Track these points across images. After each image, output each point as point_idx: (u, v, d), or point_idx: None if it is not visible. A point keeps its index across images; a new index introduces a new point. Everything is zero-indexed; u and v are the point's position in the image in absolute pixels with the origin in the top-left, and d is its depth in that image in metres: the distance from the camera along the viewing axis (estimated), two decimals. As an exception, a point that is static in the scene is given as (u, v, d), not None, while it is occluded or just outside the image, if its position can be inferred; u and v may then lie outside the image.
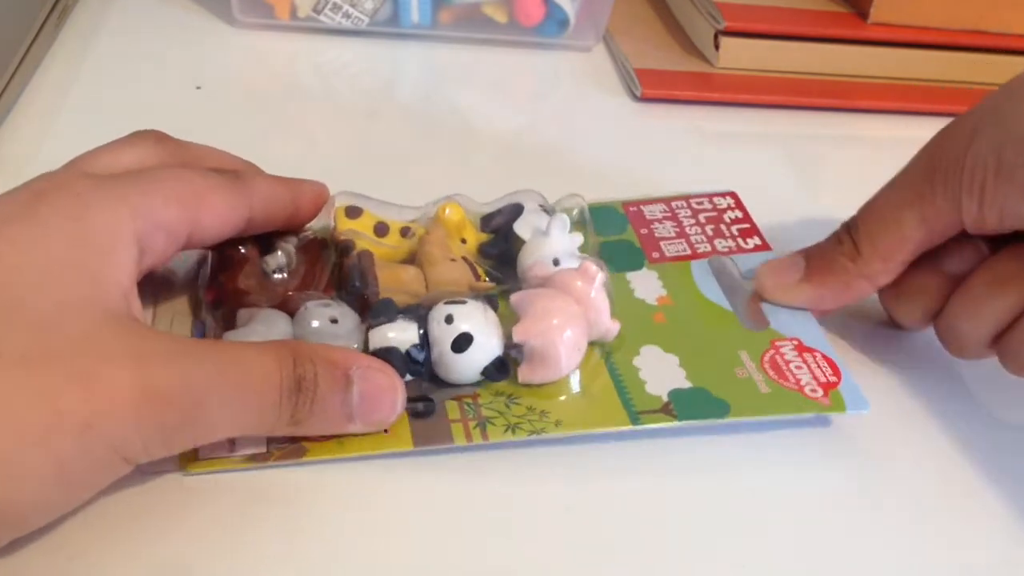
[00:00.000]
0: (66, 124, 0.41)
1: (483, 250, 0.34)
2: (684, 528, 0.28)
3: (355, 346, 0.29)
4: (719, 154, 0.45)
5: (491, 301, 0.30)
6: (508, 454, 0.29)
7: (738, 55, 0.49)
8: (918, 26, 0.50)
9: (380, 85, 0.48)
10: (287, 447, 0.28)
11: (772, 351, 0.32)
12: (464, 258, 0.32)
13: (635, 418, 0.29)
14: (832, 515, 0.29)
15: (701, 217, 0.38)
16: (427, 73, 0.50)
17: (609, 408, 0.29)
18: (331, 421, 0.27)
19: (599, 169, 0.43)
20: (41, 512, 0.24)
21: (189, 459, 0.27)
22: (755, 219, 0.38)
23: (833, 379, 0.31)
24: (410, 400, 0.29)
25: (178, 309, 0.32)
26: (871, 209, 0.33)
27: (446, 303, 0.29)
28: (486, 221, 0.34)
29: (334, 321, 0.29)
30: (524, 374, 0.29)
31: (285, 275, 0.31)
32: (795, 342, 0.32)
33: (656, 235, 0.37)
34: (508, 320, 0.30)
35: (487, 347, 0.29)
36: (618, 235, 0.37)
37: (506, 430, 0.29)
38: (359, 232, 0.32)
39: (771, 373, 0.31)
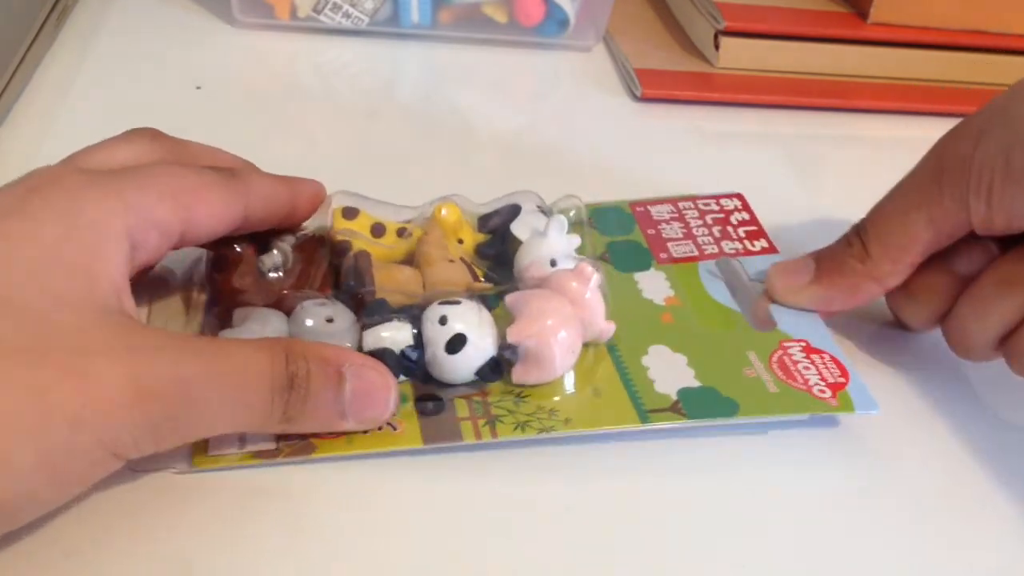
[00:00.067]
0: (66, 124, 0.41)
1: (480, 251, 0.34)
2: (686, 528, 0.28)
3: (349, 345, 0.29)
4: (719, 154, 0.45)
5: (487, 302, 0.30)
6: (508, 453, 0.29)
7: (738, 55, 0.49)
8: (918, 26, 0.50)
9: (380, 85, 0.48)
10: (296, 444, 0.28)
11: (780, 352, 0.32)
12: (462, 259, 0.32)
13: (644, 417, 0.29)
14: (838, 515, 0.29)
15: (708, 219, 0.38)
16: (427, 73, 0.50)
17: (618, 407, 0.30)
18: (324, 418, 0.27)
19: (599, 169, 0.43)
20: (31, 506, 0.24)
21: (198, 455, 0.27)
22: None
23: (841, 380, 0.31)
24: (419, 399, 0.29)
25: (173, 308, 0.32)
26: (880, 211, 0.33)
27: (440, 303, 0.29)
28: (483, 222, 0.34)
29: (330, 320, 0.29)
30: (518, 375, 0.29)
31: (281, 274, 0.31)
32: (803, 343, 0.32)
33: (663, 236, 0.37)
34: (504, 321, 0.30)
35: (481, 348, 0.29)
36: (625, 235, 0.37)
37: (515, 428, 0.29)
38: (356, 232, 0.32)
39: (779, 373, 0.31)
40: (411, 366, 0.29)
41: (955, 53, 0.50)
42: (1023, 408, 0.33)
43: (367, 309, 0.30)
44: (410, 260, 0.33)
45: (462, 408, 0.29)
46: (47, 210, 0.25)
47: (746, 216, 0.38)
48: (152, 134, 0.30)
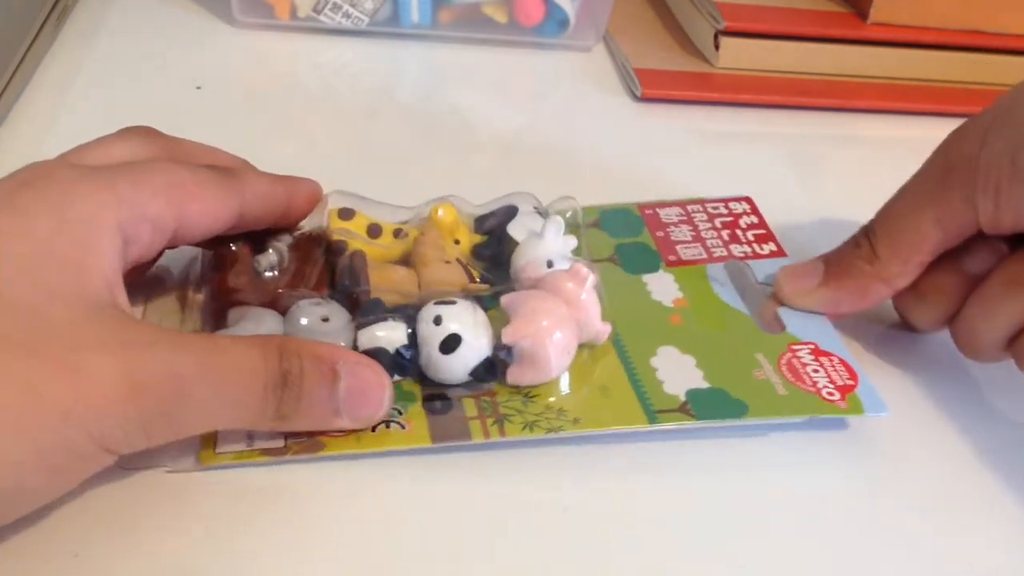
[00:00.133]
0: (66, 124, 0.41)
1: (477, 252, 0.34)
2: (690, 528, 0.28)
3: (343, 344, 0.29)
4: (719, 154, 0.45)
5: (483, 302, 0.30)
6: (509, 453, 0.29)
7: (738, 55, 0.49)
8: (918, 26, 0.50)
9: (380, 85, 0.48)
10: (305, 441, 0.28)
11: (789, 354, 0.32)
12: (458, 259, 0.32)
13: (653, 417, 0.29)
14: (845, 516, 0.29)
15: (717, 222, 0.38)
16: (427, 73, 0.50)
17: (627, 407, 0.30)
18: (317, 416, 0.27)
19: (599, 169, 0.43)
20: (21, 501, 0.24)
21: (205, 452, 0.27)
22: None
23: (850, 382, 0.31)
24: (427, 398, 0.29)
25: (168, 307, 0.32)
26: (887, 212, 0.33)
27: (436, 303, 0.29)
28: (480, 223, 0.34)
29: (325, 319, 0.29)
30: (514, 375, 0.29)
31: (276, 273, 0.31)
32: (812, 346, 0.32)
33: (672, 238, 0.37)
34: (499, 321, 0.30)
35: (476, 348, 0.29)
36: (634, 237, 0.37)
37: (524, 427, 0.29)
38: (352, 232, 0.32)
39: (788, 376, 0.31)
40: (406, 365, 0.29)
41: (955, 53, 0.50)
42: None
43: (362, 308, 0.30)
44: (406, 261, 0.33)
45: (470, 407, 0.29)
46: (39, 204, 0.25)
47: (755, 220, 0.38)
48: (147, 132, 0.30)
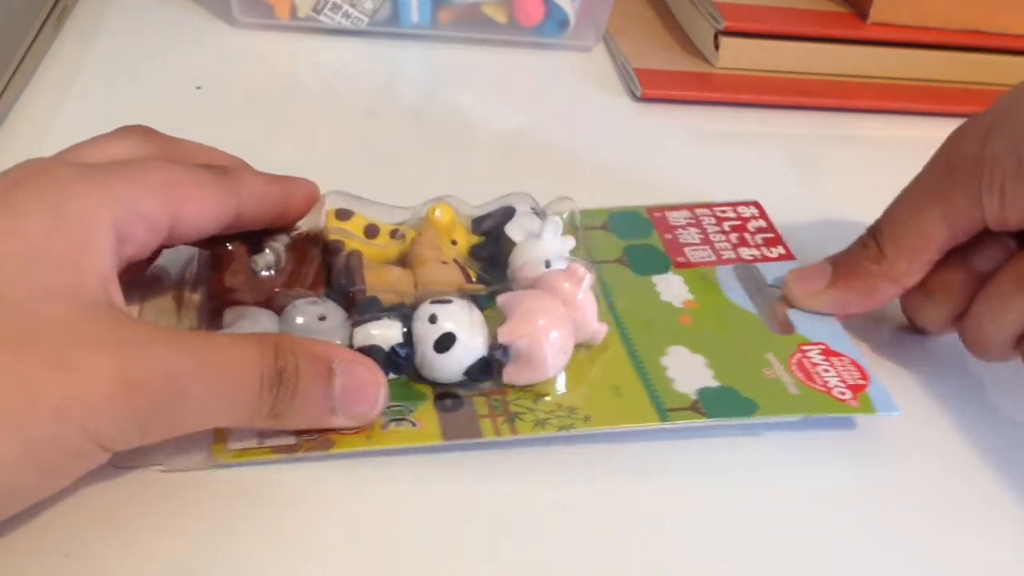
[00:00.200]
0: (66, 124, 0.41)
1: (474, 252, 0.34)
2: (691, 527, 0.28)
3: (339, 342, 0.29)
4: (719, 154, 0.45)
5: (479, 302, 0.30)
6: (509, 453, 0.29)
7: (738, 55, 0.49)
8: (918, 26, 0.50)
9: (380, 85, 0.48)
10: (316, 439, 0.28)
11: (799, 354, 0.32)
12: (455, 260, 0.32)
13: (664, 415, 0.29)
14: (852, 516, 0.29)
15: (725, 225, 0.38)
16: (427, 73, 0.50)
17: (638, 405, 0.30)
18: (313, 414, 0.27)
19: (599, 169, 0.43)
20: (15, 498, 0.24)
21: (217, 448, 0.27)
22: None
23: (861, 382, 0.31)
24: (438, 396, 0.29)
25: (164, 306, 0.32)
26: (893, 212, 0.33)
27: (432, 302, 0.29)
28: (477, 224, 0.34)
29: (322, 318, 0.29)
30: (510, 375, 0.29)
31: (272, 273, 0.31)
32: (822, 346, 0.32)
33: (680, 241, 0.37)
34: (496, 321, 0.30)
35: (471, 347, 0.29)
36: (643, 239, 0.37)
37: (535, 425, 0.29)
38: (349, 232, 0.32)
39: (799, 375, 0.31)
40: (400, 363, 0.29)
41: (955, 53, 0.50)
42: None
43: (358, 306, 0.30)
44: (403, 261, 0.33)
45: (481, 405, 0.29)
46: (34, 202, 0.25)
47: (763, 224, 0.38)
48: (143, 131, 0.30)
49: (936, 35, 0.50)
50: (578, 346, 0.31)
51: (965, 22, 0.50)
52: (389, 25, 0.50)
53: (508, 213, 0.34)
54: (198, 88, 0.45)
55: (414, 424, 0.28)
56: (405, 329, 0.29)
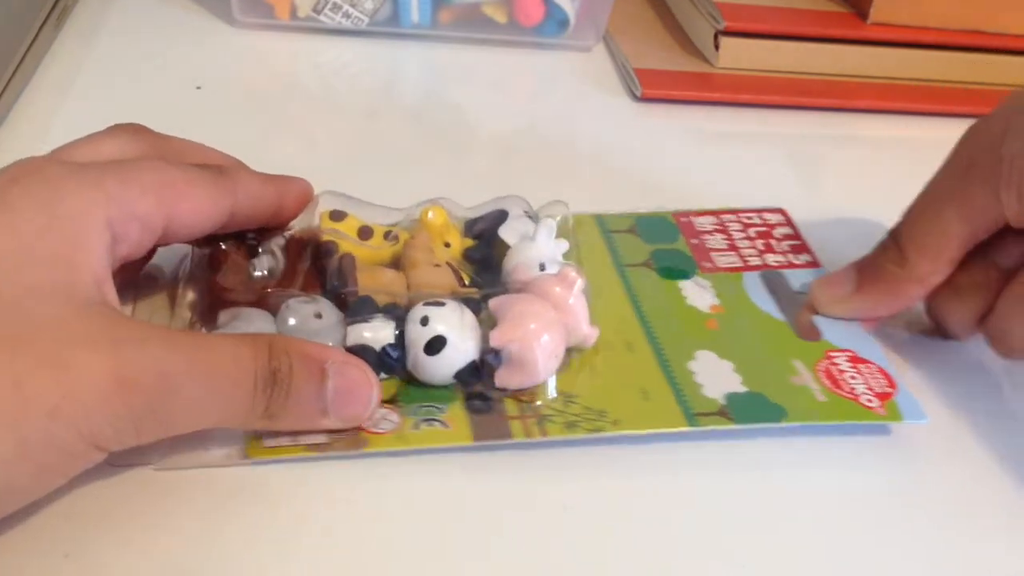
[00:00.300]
0: (66, 124, 0.41)
1: (467, 255, 0.34)
2: (689, 528, 0.28)
3: (332, 343, 0.29)
4: (719, 154, 0.45)
5: (472, 305, 0.30)
6: (509, 453, 0.29)
7: (738, 55, 0.49)
8: (918, 26, 0.50)
9: (380, 85, 0.48)
10: (348, 438, 0.28)
11: (826, 361, 0.32)
12: (448, 263, 0.32)
13: (692, 420, 0.29)
14: (857, 521, 0.29)
15: (751, 231, 0.38)
16: (427, 73, 0.50)
17: (666, 409, 0.30)
18: (305, 415, 0.27)
19: (599, 169, 0.43)
20: (10, 497, 0.24)
21: (252, 445, 0.27)
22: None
23: (888, 390, 0.31)
24: (468, 397, 0.29)
25: (158, 305, 0.32)
26: (912, 212, 0.33)
27: (424, 304, 0.29)
28: (469, 226, 0.34)
29: (318, 316, 0.29)
30: (501, 378, 0.29)
31: (266, 272, 0.31)
32: (849, 353, 0.32)
33: (707, 246, 0.37)
34: (488, 324, 0.30)
35: (462, 350, 0.29)
36: (669, 244, 0.37)
37: (565, 427, 0.29)
38: (343, 234, 0.33)
39: (826, 382, 0.31)
40: (392, 364, 0.29)
41: (955, 53, 0.50)
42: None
43: (352, 306, 0.30)
44: (396, 263, 0.33)
45: (512, 407, 0.29)
46: (26, 200, 0.25)
47: (789, 231, 0.38)
48: (136, 129, 0.30)
49: (936, 35, 0.50)
50: (606, 346, 0.31)
51: (965, 22, 0.50)
52: (389, 25, 0.50)
53: (501, 216, 0.34)
54: (198, 88, 0.45)
55: (445, 425, 0.29)
56: (398, 331, 0.29)
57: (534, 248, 0.32)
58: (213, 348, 0.25)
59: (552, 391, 0.30)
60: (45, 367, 0.23)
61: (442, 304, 0.29)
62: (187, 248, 0.33)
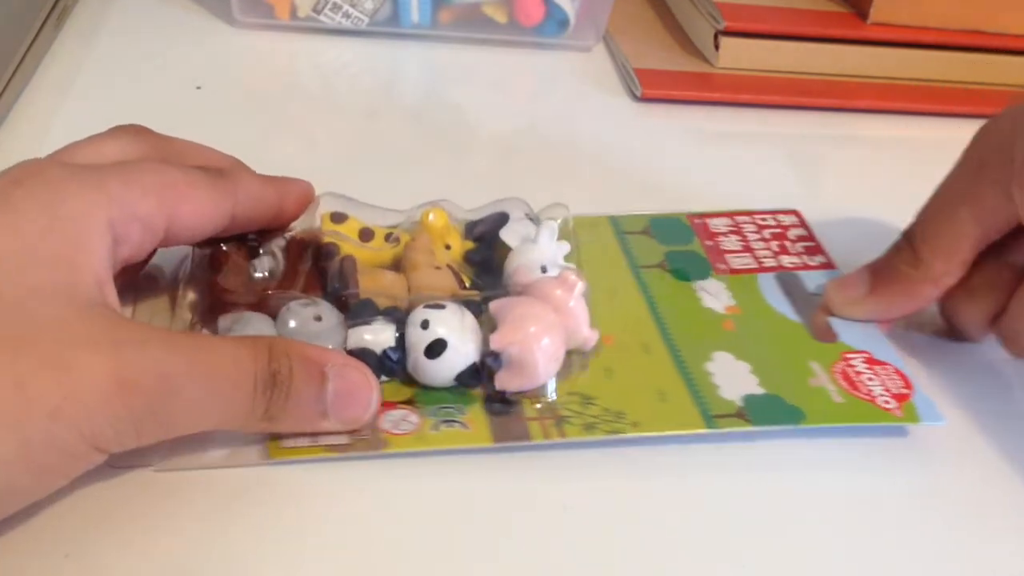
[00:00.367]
0: (66, 124, 0.41)
1: (468, 257, 0.34)
2: (690, 528, 0.28)
3: (331, 346, 0.29)
4: (719, 154, 0.45)
5: (473, 308, 0.30)
6: (509, 453, 0.29)
7: (738, 55, 0.49)
8: (918, 26, 0.50)
9: (380, 85, 0.48)
10: (369, 439, 0.28)
11: (842, 363, 0.32)
12: (448, 265, 0.32)
13: (710, 422, 0.29)
14: (863, 523, 0.29)
15: (766, 233, 0.38)
16: (427, 73, 0.50)
17: (684, 411, 0.30)
18: (305, 417, 0.27)
19: (599, 169, 0.43)
20: (11, 498, 0.24)
21: (274, 445, 0.27)
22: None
23: (905, 391, 0.31)
24: (488, 398, 0.29)
25: (158, 306, 0.32)
26: (925, 213, 0.33)
27: (425, 307, 0.29)
28: (470, 228, 0.34)
29: (318, 319, 0.29)
30: (501, 381, 0.29)
31: (267, 274, 0.31)
32: (865, 355, 0.32)
33: (721, 248, 0.37)
34: (489, 327, 0.30)
35: (462, 352, 0.29)
36: (684, 245, 0.37)
37: (583, 429, 0.29)
38: (344, 236, 0.33)
39: (843, 384, 0.31)
40: (393, 367, 0.29)
41: (955, 53, 0.50)
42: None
43: (353, 309, 0.30)
44: (397, 265, 0.33)
45: (530, 408, 0.29)
46: (28, 202, 0.25)
47: (803, 232, 0.38)
48: (137, 130, 0.30)
49: (936, 35, 0.50)
50: (622, 347, 0.31)
51: (965, 22, 0.50)
52: (389, 25, 0.50)
53: (502, 219, 0.34)
54: (198, 88, 0.45)
55: (464, 426, 0.29)
56: (398, 333, 0.29)
57: (536, 250, 0.32)
58: (213, 350, 0.25)
59: (552, 393, 0.30)
60: (47, 368, 0.23)
61: (442, 307, 0.29)
62: (187, 249, 0.33)
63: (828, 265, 0.37)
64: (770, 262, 0.37)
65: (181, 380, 0.24)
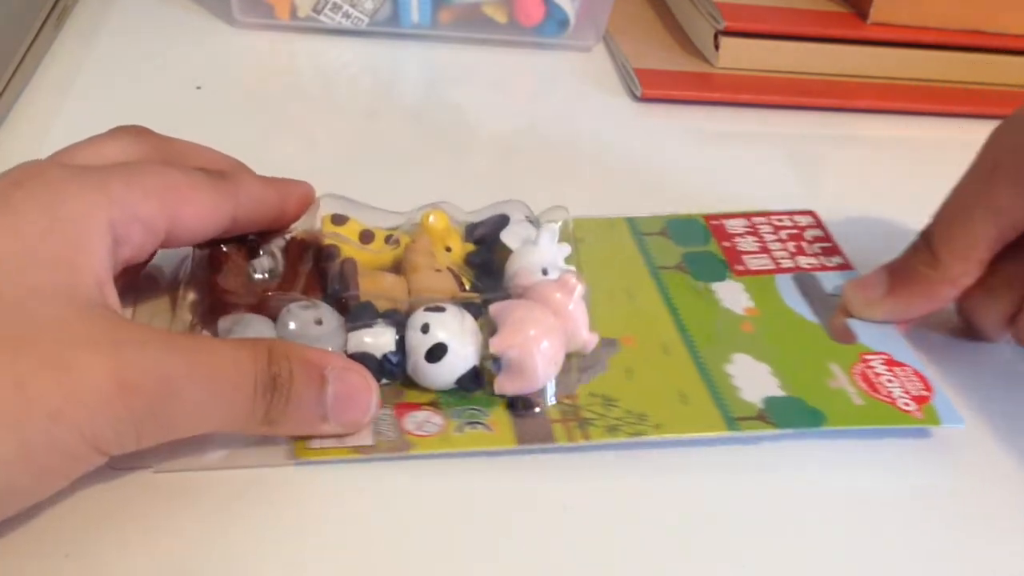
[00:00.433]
0: (66, 124, 0.41)
1: (468, 259, 0.34)
2: (690, 528, 0.28)
3: (331, 348, 0.29)
4: (719, 154, 0.45)
5: (473, 310, 0.30)
6: (509, 452, 0.29)
7: (738, 55, 0.49)
8: (918, 26, 0.50)
9: (380, 85, 0.48)
10: (394, 440, 0.28)
11: (861, 364, 0.32)
12: (449, 268, 0.32)
13: (732, 424, 0.29)
14: (865, 525, 0.28)
15: (783, 234, 0.38)
16: (427, 73, 0.50)
17: (705, 413, 0.30)
18: (305, 421, 0.27)
19: (599, 169, 0.43)
20: (11, 499, 0.24)
21: (300, 446, 0.28)
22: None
23: (925, 393, 0.31)
24: (511, 400, 0.29)
25: (158, 307, 0.32)
26: (941, 214, 0.33)
27: (425, 310, 0.29)
28: (470, 231, 0.34)
29: (319, 322, 0.29)
30: (501, 384, 0.29)
31: (267, 276, 0.31)
32: (884, 357, 0.32)
33: (738, 249, 0.37)
34: (488, 330, 0.30)
35: (463, 356, 0.29)
36: (701, 246, 0.37)
37: (607, 431, 0.29)
38: (344, 238, 0.33)
39: (863, 385, 0.31)
40: (393, 370, 0.29)
41: (955, 53, 0.50)
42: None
43: (353, 311, 0.30)
44: (397, 267, 0.33)
45: (553, 411, 0.29)
46: (29, 203, 0.25)
47: (820, 233, 0.38)
48: (138, 131, 0.30)
49: (936, 35, 0.50)
50: (642, 349, 0.31)
51: (965, 22, 0.50)
52: (389, 25, 0.50)
53: (502, 221, 0.34)
54: (198, 88, 0.45)
55: (488, 428, 0.29)
56: (398, 336, 0.29)
57: (536, 252, 0.32)
58: (213, 352, 0.25)
59: (551, 397, 0.30)
60: (47, 368, 0.23)
61: (442, 310, 0.29)
62: (188, 249, 0.33)
63: (845, 266, 0.37)
64: (787, 263, 0.37)
65: (181, 382, 0.24)
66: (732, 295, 0.35)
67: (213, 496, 0.27)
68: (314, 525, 0.27)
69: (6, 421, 0.22)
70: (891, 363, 0.32)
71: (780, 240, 0.38)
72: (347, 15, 0.49)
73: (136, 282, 0.32)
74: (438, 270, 0.32)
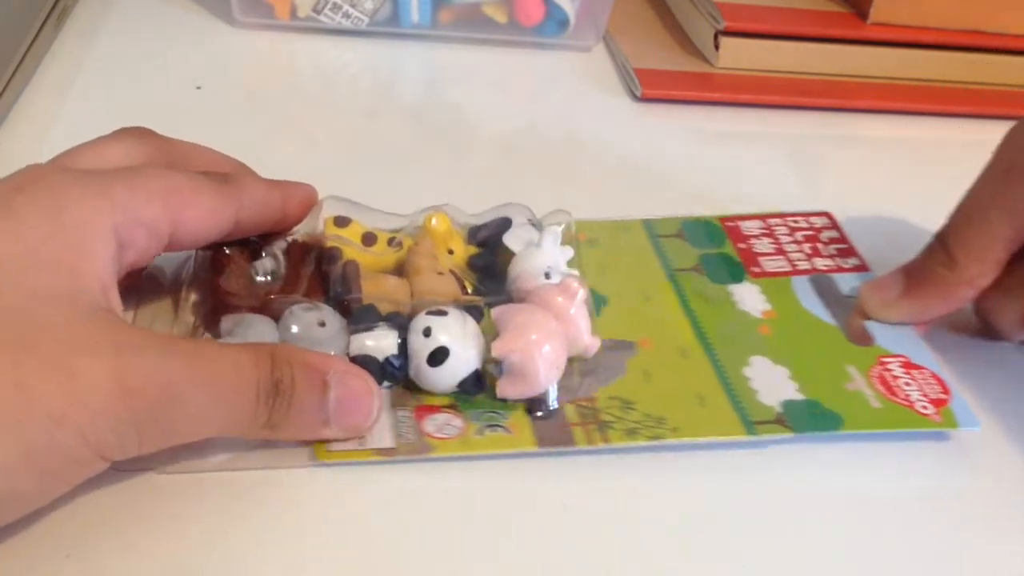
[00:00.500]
0: (66, 124, 0.41)
1: (471, 262, 0.34)
2: (690, 528, 0.28)
3: (333, 352, 0.29)
4: (719, 154, 0.45)
5: (476, 314, 0.30)
6: (528, 456, 0.29)
7: (738, 55, 0.49)
8: (918, 26, 0.50)
9: (380, 85, 0.48)
10: (415, 443, 0.28)
11: (879, 367, 0.32)
12: (451, 271, 0.32)
13: (751, 428, 0.29)
14: (867, 527, 0.28)
15: (798, 235, 0.38)
16: (427, 73, 0.50)
17: (723, 417, 0.30)
18: (307, 425, 0.27)
19: (599, 169, 0.43)
20: (14, 504, 0.24)
21: (321, 448, 0.28)
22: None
23: (943, 396, 0.31)
24: (530, 403, 0.29)
25: (161, 309, 0.32)
26: (957, 215, 0.33)
27: (427, 313, 0.29)
28: (473, 233, 0.34)
29: (322, 324, 0.29)
30: (503, 389, 0.29)
31: (269, 278, 0.31)
32: (902, 359, 0.32)
33: (754, 250, 0.37)
34: (490, 334, 0.30)
35: (465, 359, 0.29)
36: (717, 248, 0.37)
37: (626, 434, 0.29)
38: (347, 240, 0.33)
39: (881, 388, 0.31)
40: (395, 373, 0.29)
41: (955, 53, 0.50)
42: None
43: (355, 314, 0.30)
44: (400, 270, 0.33)
45: (572, 414, 0.29)
46: (31, 208, 0.25)
47: (836, 234, 0.38)
48: (141, 133, 0.30)
49: (936, 35, 0.50)
50: (660, 351, 0.31)
51: (965, 22, 0.50)
52: (389, 25, 0.50)
53: (504, 224, 0.34)
54: (198, 88, 0.45)
55: (508, 431, 0.29)
56: (400, 340, 0.29)
57: (539, 255, 0.32)
58: (216, 357, 0.25)
59: (553, 401, 0.30)
60: (49, 371, 0.23)
61: (444, 313, 0.29)
62: (190, 251, 0.33)
63: (862, 267, 0.36)
64: (803, 265, 0.36)
65: (183, 386, 0.24)
66: (749, 297, 0.35)
67: (214, 497, 0.27)
68: (315, 526, 0.27)
69: (7, 423, 0.22)
70: (909, 366, 0.32)
71: (796, 242, 0.38)
72: (347, 15, 0.49)
73: (138, 284, 0.32)
74: (441, 273, 0.32)
